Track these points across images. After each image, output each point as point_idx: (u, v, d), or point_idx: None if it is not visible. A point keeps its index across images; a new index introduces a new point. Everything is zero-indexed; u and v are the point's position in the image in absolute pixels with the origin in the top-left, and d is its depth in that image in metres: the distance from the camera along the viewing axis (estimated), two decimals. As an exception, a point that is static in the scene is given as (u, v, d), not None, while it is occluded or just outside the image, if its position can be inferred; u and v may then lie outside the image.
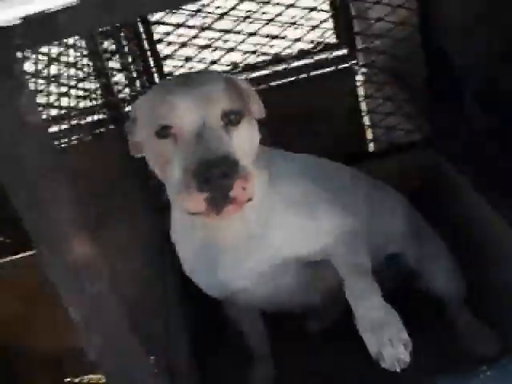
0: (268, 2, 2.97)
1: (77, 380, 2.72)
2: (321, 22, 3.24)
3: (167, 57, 3.18)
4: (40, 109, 0.96)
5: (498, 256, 2.23)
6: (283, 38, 3.13)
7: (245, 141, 1.51)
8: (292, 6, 2.94)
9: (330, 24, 3.33)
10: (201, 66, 3.18)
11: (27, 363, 2.76)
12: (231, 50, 3.14)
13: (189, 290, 2.03)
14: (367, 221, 2.07)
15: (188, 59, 3.09)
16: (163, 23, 3.06)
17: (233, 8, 3.01)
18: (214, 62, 3.15)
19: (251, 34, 3.07)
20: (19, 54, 0.93)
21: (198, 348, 2.31)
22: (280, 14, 3.04)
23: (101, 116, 2.05)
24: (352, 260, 1.86)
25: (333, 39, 3.35)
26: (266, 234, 1.74)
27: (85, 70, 1.91)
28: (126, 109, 2.49)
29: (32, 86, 0.98)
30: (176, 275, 2.25)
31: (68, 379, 2.74)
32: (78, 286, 1.12)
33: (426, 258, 2.25)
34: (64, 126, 1.36)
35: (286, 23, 3.07)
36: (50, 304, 2.59)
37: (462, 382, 1.51)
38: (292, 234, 1.78)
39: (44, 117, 0.97)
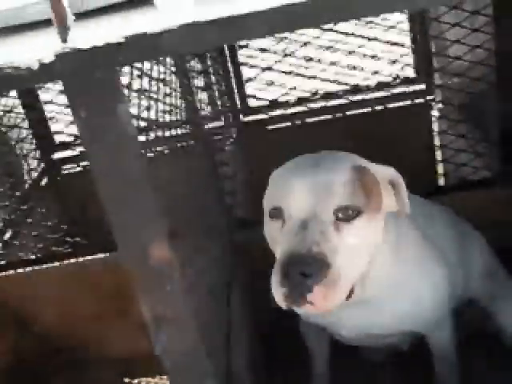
0: (351, 34, 3.04)
1: (135, 381, 2.84)
2: (401, 56, 3.32)
3: (249, 80, 3.29)
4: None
5: None
6: (362, 69, 3.21)
7: (357, 239, 1.46)
8: (375, 39, 3.00)
9: (409, 59, 3.41)
10: (282, 91, 3.29)
11: (93, 362, 2.90)
12: (313, 77, 3.23)
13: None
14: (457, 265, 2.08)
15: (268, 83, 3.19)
16: (246, 47, 3.17)
17: (317, 37, 3.11)
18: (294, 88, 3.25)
19: (332, 63, 3.16)
20: (118, 69, 1.03)
21: (256, 361, 2.39)
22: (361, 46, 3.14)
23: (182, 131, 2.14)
24: (445, 350, 2.03)
25: (411, 74, 3.44)
26: (380, 310, 1.77)
27: (172, 86, 2.00)
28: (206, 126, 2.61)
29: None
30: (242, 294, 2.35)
31: (126, 380, 2.86)
32: (154, 286, 1.21)
33: (498, 296, 2.23)
34: (149, 137, 1.45)
35: (366, 55, 3.15)
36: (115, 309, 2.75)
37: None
38: (401, 316, 1.82)
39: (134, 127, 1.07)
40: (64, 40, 1.00)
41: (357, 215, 1.45)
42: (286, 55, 3.07)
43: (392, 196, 1.59)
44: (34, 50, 1.01)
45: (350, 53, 3.21)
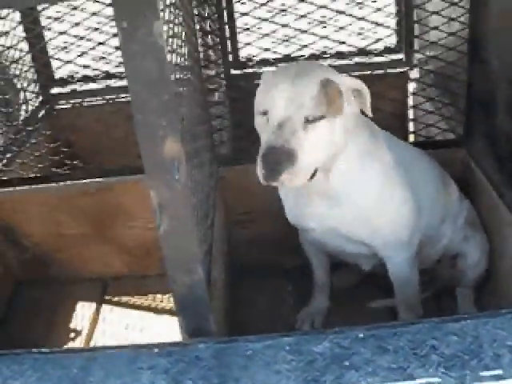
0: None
1: (115, 299, 3.13)
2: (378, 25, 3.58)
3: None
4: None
5: (502, 252, 2.55)
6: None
7: (320, 137, 1.96)
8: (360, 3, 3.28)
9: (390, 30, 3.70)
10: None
11: (76, 281, 3.18)
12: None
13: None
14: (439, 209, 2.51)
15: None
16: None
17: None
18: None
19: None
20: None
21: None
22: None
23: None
24: (402, 272, 2.44)
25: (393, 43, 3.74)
26: (342, 204, 2.22)
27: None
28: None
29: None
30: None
31: (108, 297, 3.14)
32: (165, 173, 1.48)
33: (469, 240, 2.63)
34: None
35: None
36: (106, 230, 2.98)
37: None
38: (362, 217, 2.25)
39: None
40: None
41: (320, 119, 1.96)
42: (283, 26, 3.31)
43: (356, 103, 2.09)
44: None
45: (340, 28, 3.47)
